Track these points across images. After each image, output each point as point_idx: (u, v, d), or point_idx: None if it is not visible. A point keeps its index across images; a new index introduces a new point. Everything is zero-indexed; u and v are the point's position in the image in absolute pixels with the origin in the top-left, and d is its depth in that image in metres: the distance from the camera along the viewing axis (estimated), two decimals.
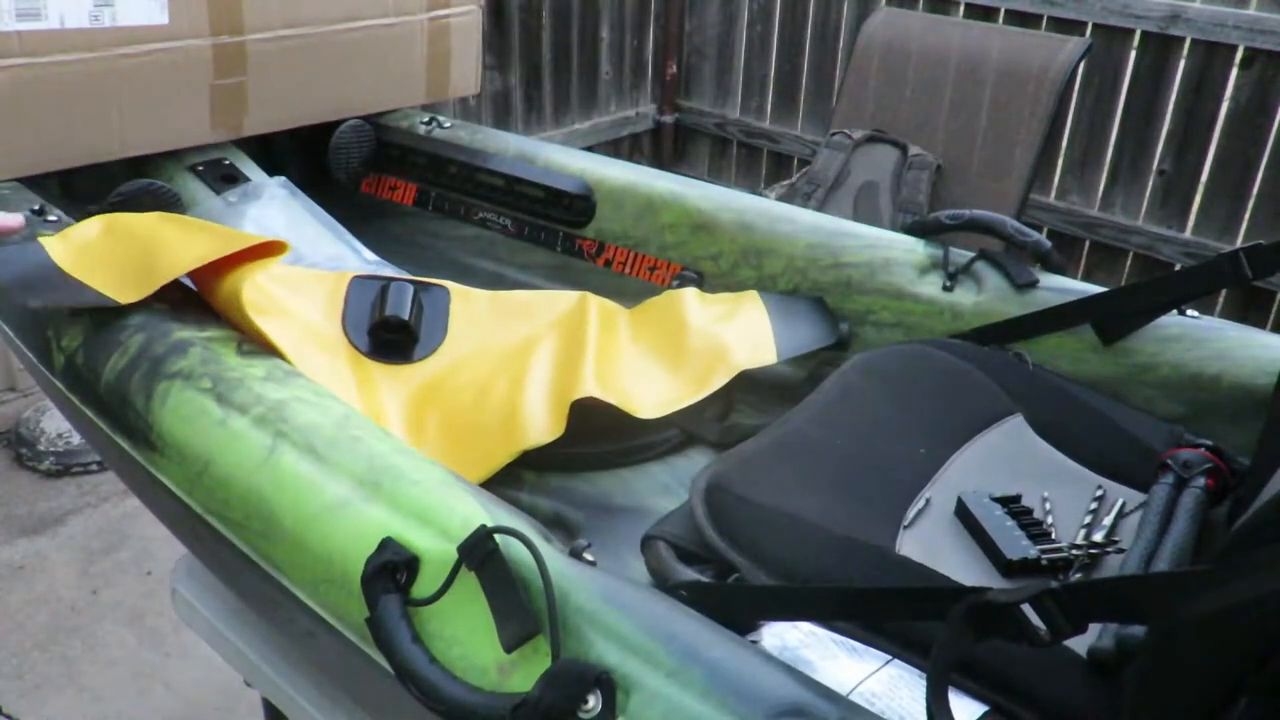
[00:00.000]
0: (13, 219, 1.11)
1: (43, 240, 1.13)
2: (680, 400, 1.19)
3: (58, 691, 1.98)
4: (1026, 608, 0.61)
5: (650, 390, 1.20)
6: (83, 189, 1.48)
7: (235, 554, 0.90)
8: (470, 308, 1.33)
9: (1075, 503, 0.98)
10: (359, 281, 1.30)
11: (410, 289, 1.29)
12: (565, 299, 1.36)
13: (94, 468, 2.56)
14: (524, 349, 1.26)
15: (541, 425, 1.11)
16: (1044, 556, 0.90)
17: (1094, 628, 0.76)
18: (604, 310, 1.34)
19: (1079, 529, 0.95)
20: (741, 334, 1.27)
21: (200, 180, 1.52)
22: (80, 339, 1.05)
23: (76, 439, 2.57)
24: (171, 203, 1.45)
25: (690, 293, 1.35)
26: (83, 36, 1.34)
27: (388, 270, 1.43)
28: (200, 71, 1.46)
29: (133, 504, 2.43)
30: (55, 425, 2.60)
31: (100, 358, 1.02)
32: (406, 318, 1.25)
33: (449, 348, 1.28)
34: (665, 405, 1.18)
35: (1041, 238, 1.29)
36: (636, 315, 1.36)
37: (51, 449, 2.57)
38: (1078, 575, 0.90)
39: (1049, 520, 0.96)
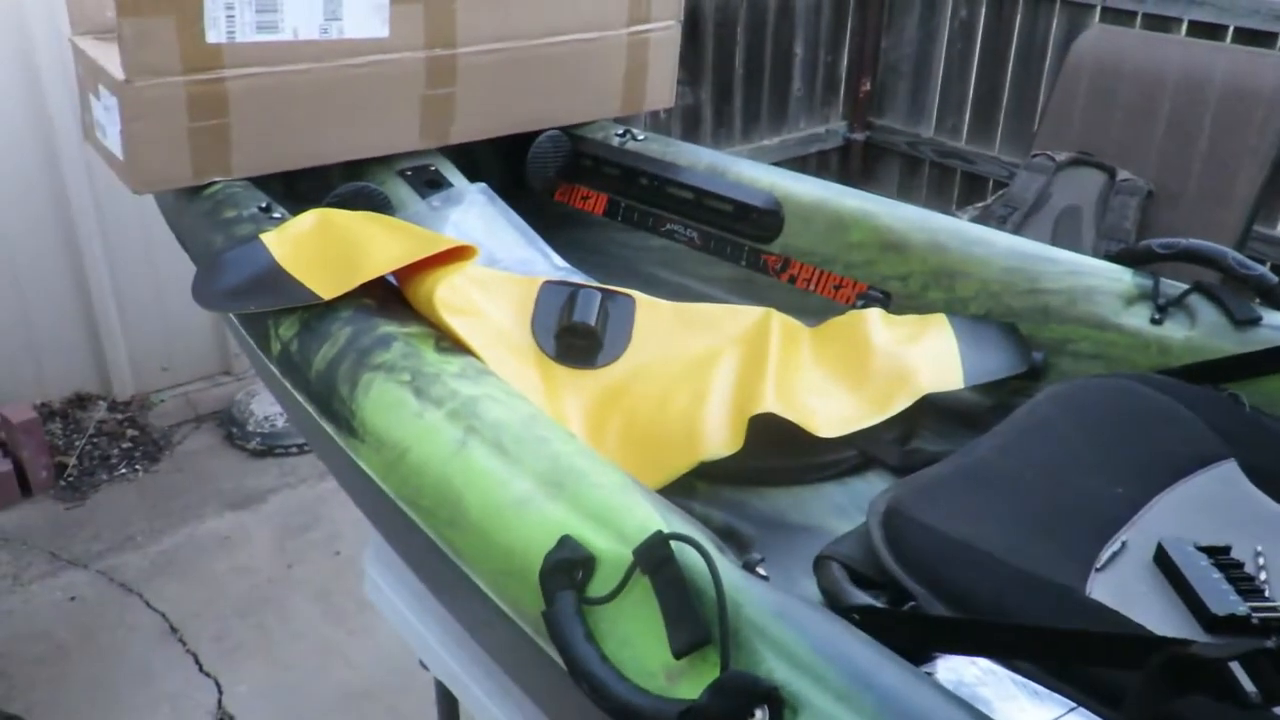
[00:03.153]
0: None
1: (263, 237, 1.22)
2: (860, 421, 1.17)
3: (250, 656, 2.13)
4: (1236, 666, 0.57)
5: (830, 409, 1.18)
6: (304, 189, 1.59)
7: (423, 540, 0.95)
8: (655, 317, 1.34)
9: None
10: (549, 287, 1.34)
11: (598, 296, 1.32)
12: (749, 314, 1.36)
13: (294, 450, 2.74)
14: (706, 361, 1.27)
15: (720, 438, 1.12)
16: (1255, 615, 0.83)
17: None
18: (787, 327, 1.33)
19: None
20: (927, 357, 1.24)
21: (408, 185, 1.60)
22: (296, 329, 1.12)
23: (281, 422, 2.76)
24: (382, 205, 1.53)
25: (875, 313, 1.32)
26: (312, 48, 1.44)
27: (576, 277, 1.47)
28: (414, 82, 1.55)
29: (326, 487, 2.59)
30: (263, 408, 2.80)
31: (312, 347, 1.09)
32: (593, 324, 1.28)
33: (632, 356, 1.30)
34: (844, 425, 1.16)
35: (1266, 271, 1.20)
36: (819, 334, 1.34)
37: (259, 430, 2.77)
38: None
39: (1262, 576, 0.88)
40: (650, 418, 1.19)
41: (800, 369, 1.25)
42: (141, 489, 2.62)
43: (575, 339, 1.29)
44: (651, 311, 1.35)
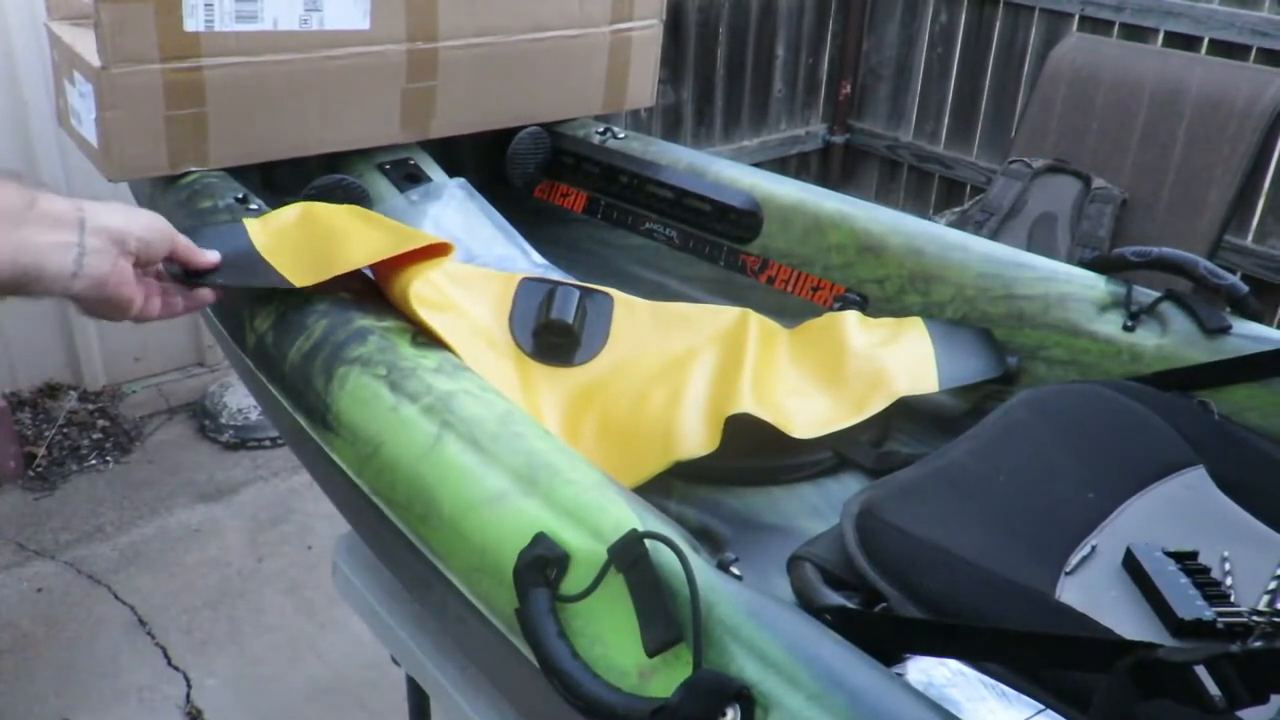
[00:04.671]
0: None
1: (246, 221, 1.21)
2: (836, 422, 1.17)
3: (221, 650, 2.11)
4: (1201, 670, 0.58)
5: (806, 410, 1.19)
6: (281, 181, 1.58)
7: (396, 535, 0.94)
8: (632, 316, 1.34)
9: (1259, 566, 0.91)
10: (527, 283, 1.34)
11: (576, 294, 1.31)
12: (726, 314, 1.37)
13: (267, 443, 2.72)
14: (683, 361, 1.27)
15: (696, 439, 1.12)
16: (1220, 620, 0.84)
17: (1274, 701, 0.71)
18: (764, 328, 1.34)
19: (1262, 595, 0.88)
20: (903, 360, 1.24)
21: (387, 178, 1.59)
22: (271, 321, 1.11)
23: (254, 414, 2.74)
24: (360, 198, 1.52)
25: (852, 315, 1.33)
26: (292, 39, 1.43)
27: (555, 274, 1.47)
28: (394, 75, 1.54)
29: (299, 480, 2.57)
30: (236, 401, 2.77)
31: (287, 339, 1.08)
32: (571, 321, 1.28)
33: (609, 354, 1.30)
34: (820, 426, 1.16)
35: (1237, 280, 1.21)
36: (796, 336, 1.35)
37: (231, 423, 2.75)
38: (1258, 644, 0.83)
39: (1228, 582, 0.89)
40: (625, 417, 1.19)
41: (777, 370, 1.25)
42: (111, 480, 2.59)
43: (553, 336, 1.29)
44: (629, 310, 1.35)
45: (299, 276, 1.11)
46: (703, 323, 1.35)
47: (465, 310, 1.27)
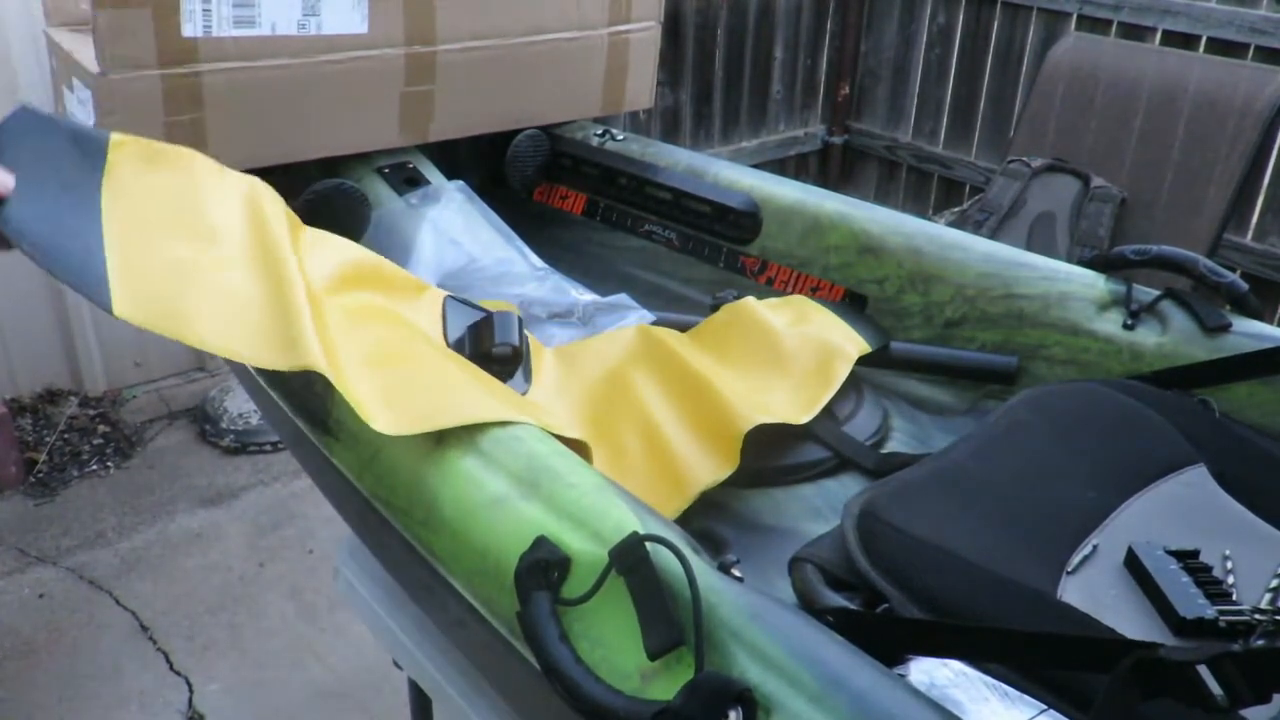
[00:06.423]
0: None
1: (110, 175, 1.00)
2: (819, 398, 1.18)
3: (222, 655, 2.11)
4: (1203, 669, 0.58)
5: (785, 398, 1.19)
6: (279, 185, 1.57)
7: (397, 539, 0.94)
8: (540, 352, 1.27)
9: (1261, 564, 0.91)
10: (453, 303, 1.25)
11: (516, 322, 1.20)
12: (623, 334, 1.31)
13: (268, 448, 2.72)
14: (621, 391, 1.20)
15: (711, 463, 1.09)
16: (1222, 618, 0.84)
17: (1277, 700, 0.71)
18: (677, 338, 1.28)
19: (1264, 593, 0.88)
20: (831, 329, 1.28)
21: (386, 182, 1.59)
22: None
23: (255, 419, 2.74)
24: (360, 202, 1.52)
25: (753, 301, 1.31)
26: (290, 43, 1.43)
27: (554, 277, 1.47)
28: (393, 79, 1.54)
29: (300, 485, 2.57)
30: (237, 405, 2.77)
31: None
32: (517, 344, 1.18)
33: (537, 390, 1.20)
34: (809, 406, 1.17)
35: (1237, 278, 1.21)
36: (705, 337, 1.30)
37: (232, 427, 2.74)
38: (1260, 643, 0.83)
39: (1229, 580, 0.89)
40: (612, 462, 1.13)
41: (724, 374, 1.22)
42: (113, 486, 2.59)
43: (493, 364, 1.17)
44: (537, 352, 1.27)
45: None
46: (607, 347, 1.28)
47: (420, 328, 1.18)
